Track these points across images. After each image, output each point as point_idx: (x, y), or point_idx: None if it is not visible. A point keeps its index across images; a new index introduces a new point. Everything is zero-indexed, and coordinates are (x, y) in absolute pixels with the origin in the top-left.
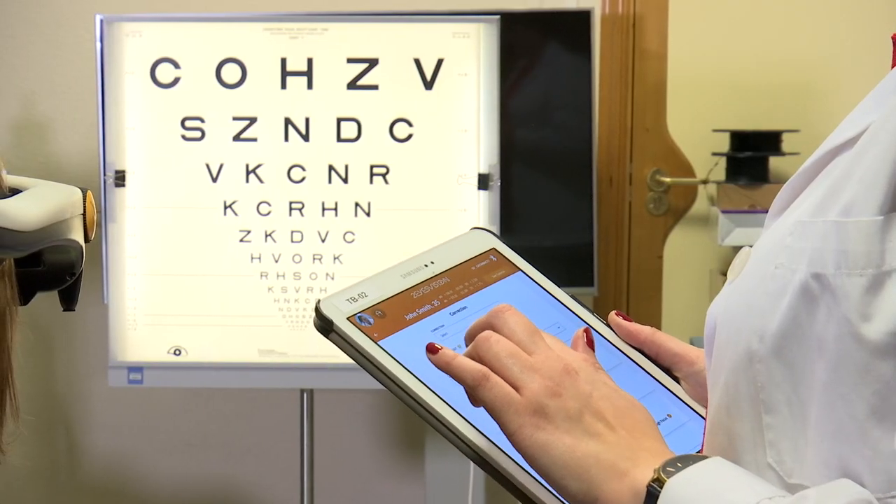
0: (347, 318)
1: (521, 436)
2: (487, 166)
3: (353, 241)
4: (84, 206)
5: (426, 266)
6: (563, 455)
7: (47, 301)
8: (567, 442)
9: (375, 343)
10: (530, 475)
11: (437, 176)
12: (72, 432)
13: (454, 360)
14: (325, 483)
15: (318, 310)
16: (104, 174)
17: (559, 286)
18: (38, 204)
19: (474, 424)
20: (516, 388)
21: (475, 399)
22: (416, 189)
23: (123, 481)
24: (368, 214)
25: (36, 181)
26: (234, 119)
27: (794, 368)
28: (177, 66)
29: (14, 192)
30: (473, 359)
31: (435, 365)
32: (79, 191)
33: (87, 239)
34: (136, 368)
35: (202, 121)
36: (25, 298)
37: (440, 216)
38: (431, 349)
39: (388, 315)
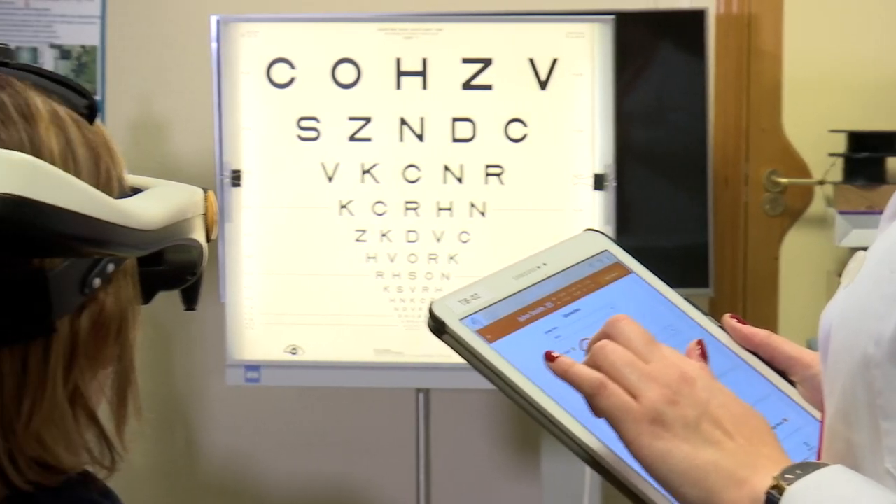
0: (460, 320)
1: (640, 444)
2: (603, 166)
3: (468, 241)
4: (205, 206)
5: (539, 268)
6: (682, 463)
7: (166, 300)
8: (685, 450)
9: (488, 345)
10: (643, 478)
11: (552, 176)
12: (190, 430)
13: (572, 368)
14: (441, 483)
15: (431, 311)
16: (220, 174)
17: (674, 287)
18: (161, 203)
19: (587, 426)
20: (634, 397)
21: (594, 407)
22: (531, 189)
23: (240, 479)
24: (483, 214)
25: (158, 181)
26: (350, 119)
27: None
28: (292, 66)
29: (136, 191)
30: (592, 368)
31: (553, 372)
32: (200, 190)
33: (208, 238)
34: (254, 367)
35: (317, 121)
36: (147, 297)
37: (555, 216)
38: (549, 357)
39: (500, 316)
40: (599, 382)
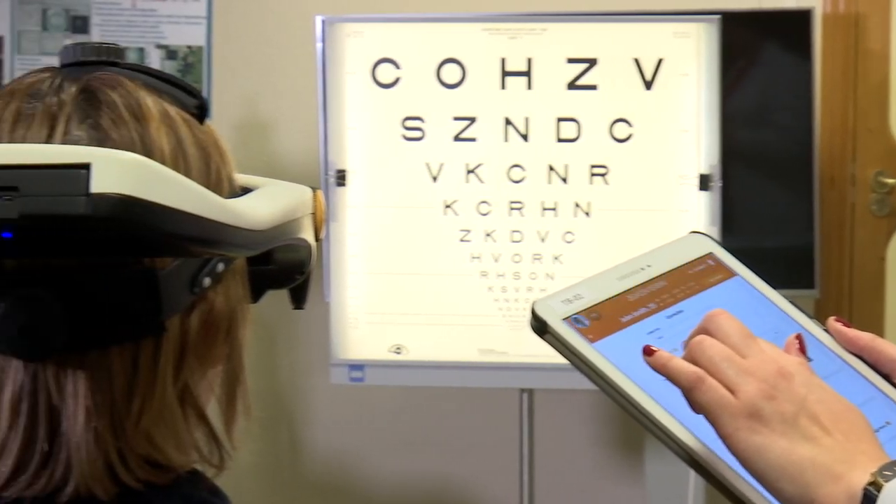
0: (562, 320)
1: (737, 439)
2: (708, 167)
3: (572, 241)
4: (314, 206)
5: (643, 269)
6: (779, 458)
7: (271, 298)
8: (783, 445)
9: (590, 345)
10: (746, 482)
11: (658, 176)
12: (294, 429)
13: (670, 363)
14: (544, 483)
15: (533, 311)
16: (325, 174)
17: (779, 288)
18: (270, 203)
19: (687, 427)
20: (731, 392)
21: (691, 402)
22: (636, 189)
23: (344, 478)
24: (588, 215)
25: (267, 180)
26: (454, 119)
27: None
28: (397, 66)
29: (245, 191)
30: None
31: (651, 367)
32: (309, 190)
33: (316, 238)
34: (358, 366)
35: (422, 121)
36: (256, 296)
37: (660, 217)
38: (647, 351)
39: (603, 317)
40: (697, 377)
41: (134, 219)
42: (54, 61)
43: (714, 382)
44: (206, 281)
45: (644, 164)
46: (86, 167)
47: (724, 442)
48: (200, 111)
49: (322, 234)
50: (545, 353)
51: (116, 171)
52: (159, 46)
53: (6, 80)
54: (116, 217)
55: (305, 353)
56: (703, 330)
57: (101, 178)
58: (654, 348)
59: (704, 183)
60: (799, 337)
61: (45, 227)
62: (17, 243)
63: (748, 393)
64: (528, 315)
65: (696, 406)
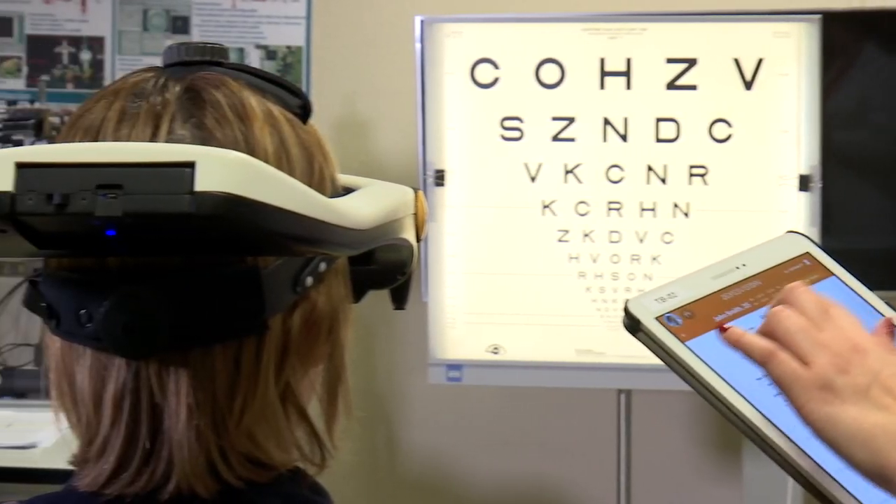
0: (655, 318)
1: (809, 409)
2: (808, 167)
3: (671, 241)
4: (415, 206)
5: (738, 268)
6: (850, 426)
7: (369, 299)
8: (853, 413)
9: (682, 343)
10: (840, 486)
11: (757, 177)
12: (391, 428)
13: (744, 337)
14: (641, 484)
15: (626, 309)
16: (424, 173)
17: (876, 290)
18: (373, 203)
19: (782, 429)
20: (805, 363)
21: (767, 375)
22: (736, 190)
23: (441, 477)
24: (687, 215)
25: (369, 180)
26: (553, 119)
27: None
28: (496, 66)
29: (348, 191)
30: (766, 334)
31: (726, 342)
32: (411, 190)
33: (417, 238)
34: (455, 366)
35: (521, 121)
36: (357, 296)
37: (759, 217)
38: (721, 328)
39: (696, 316)
40: (769, 351)
41: (238, 217)
42: (155, 61)
43: (786, 356)
44: (309, 280)
45: (743, 164)
46: (190, 165)
47: (797, 413)
48: (304, 111)
49: (423, 235)
50: (643, 354)
51: (221, 170)
52: (259, 47)
53: (107, 81)
54: (220, 215)
55: (403, 352)
56: (782, 301)
57: (205, 176)
58: (727, 325)
59: (804, 183)
60: (889, 322)
61: (149, 225)
62: (121, 241)
63: (821, 365)
64: (622, 314)
65: (771, 379)
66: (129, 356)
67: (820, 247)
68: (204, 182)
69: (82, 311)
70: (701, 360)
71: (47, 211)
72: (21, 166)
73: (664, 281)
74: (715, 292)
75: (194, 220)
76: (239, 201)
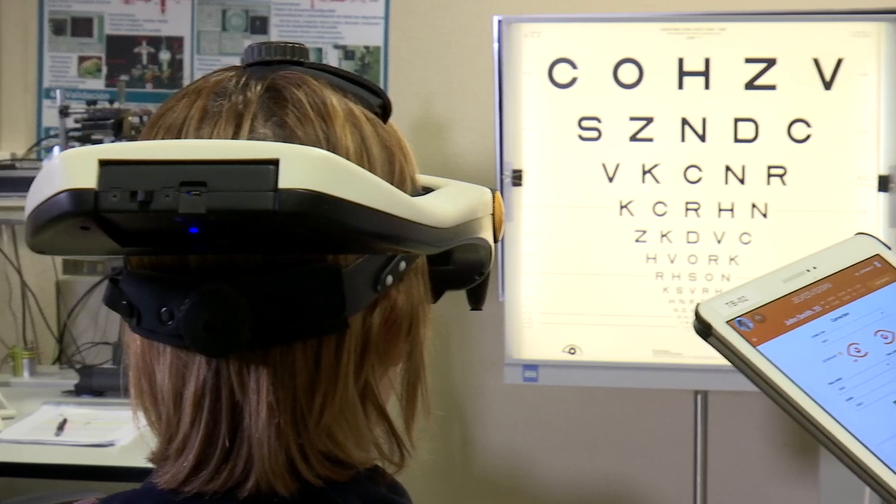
0: (726, 322)
1: None
2: (887, 168)
3: (749, 242)
4: (493, 207)
5: (808, 271)
6: None
7: (445, 298)
8: None
9: (754, 348)
10: None
11: (836, 177)
12: (467, 428)
13: None
14: (718, 485)
15: (697, 313)
16: (501, 173)
17: None
18: (453, 201)
19: (854, 434)
20: None
21: None
22: (814, 190)
23: (516, 477)
24: (765, 216)
25: (447, 181)
26: (631, 119)
27: None
28: (574, 66)
29: (427, 190)
30: None
31: None
32: (488, 191)
33: (495, 239)
34: (532, 366)
35: (598, 121)
36: (435, 297)
37: (838, 218)
38: None
39: (767, 319)
40: None
41: (321, 214)
42: (233, 61)
43: None
44: (389, 279)
45: (822, 164)
46: (274, 163)
47: None
48: (384, 110)
49: (500, 236)
50: (720, 355)
51: (305, 167)
52: (337, 46)
53: (186, 81)
54: (304, 213)
55: (479, 352)
56: None
57: (289, 173)
58: None
59: (883, 184)
60: None
61: (232, 222)
62: (204, 239)
63: None
64: (692, 317)
65: None
66: (209, 354)
67: (890, 248)
68: (288, 179)
69: (163, 309)
70: (773, 364)
71: (131, 208)
72: (104, 163)
73: (742, 282)
74: (786, 295)
75: (278, 218)
76: (322, 199)
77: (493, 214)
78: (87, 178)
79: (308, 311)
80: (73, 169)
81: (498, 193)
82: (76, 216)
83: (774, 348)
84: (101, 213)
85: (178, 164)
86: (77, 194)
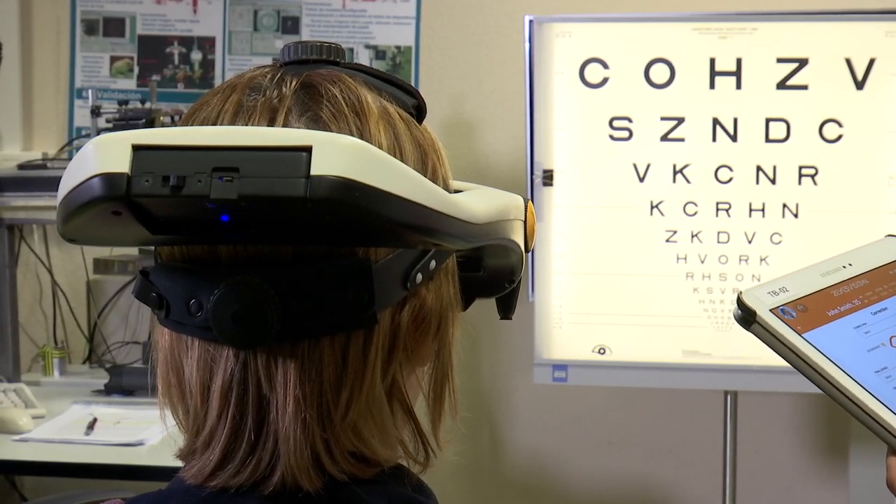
0: (770, 310)
1: None
2: None
3: (780, 242)
4: (525, 215)
5: (844, 267)
6: None
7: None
8: None
9: (800, 335)
10: None
11: (867, 177)
12: (495, 428)
13: None
14: (747, 485)
15: (740, 300)
16: (531, 173)
17: None
18: (485, 200)
19: None
20: None
21: None
22: (846, 191)
23: (545, 477)
24: (796, 216)
25: (478, 186)
26: (662, 119)
27: None
28: (605, 66)
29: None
30: None
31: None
32: (520, 198)
33: (526, 248)
34: (561, 366)
35: (630, 121)
36: (465, 304)
37: (869, 218)
38: None
39: (810, 310)
40: None
41: (352, 202)
42: (265, 61)
43: None
44: (419, 277)
45: (854, 165)
46: (307, 150)
47: None
48: (419, 111)
49: (532, 245)
50: (750, 355)
51: (337, 154)
52: (368, 46)
53: (217, 81)
54: (335, 199)
55: (508, 352)
56: None
57: (321, 160)
58: None
59: None
60: None
61: (264, 209)
62: (235, 227)
63: None
64: (733, 306)
65: None
66: (238, 345)
67: None
68: (320, 166)
69: (192, 301)
70: (821, 352)
71: (163, 193)
72: (138, 148)
73: None
74: (825, 288)
75: (309, 204)
76: (354, 186)
77: (524, 221)
78: (121, 163)
79: (337, 306)
80: (106, 153)
81: (530, 202)
82: (109, 200)
83: (820, 336)
84: (133, 197)
85: (211, 149)
86: (110, 178)
